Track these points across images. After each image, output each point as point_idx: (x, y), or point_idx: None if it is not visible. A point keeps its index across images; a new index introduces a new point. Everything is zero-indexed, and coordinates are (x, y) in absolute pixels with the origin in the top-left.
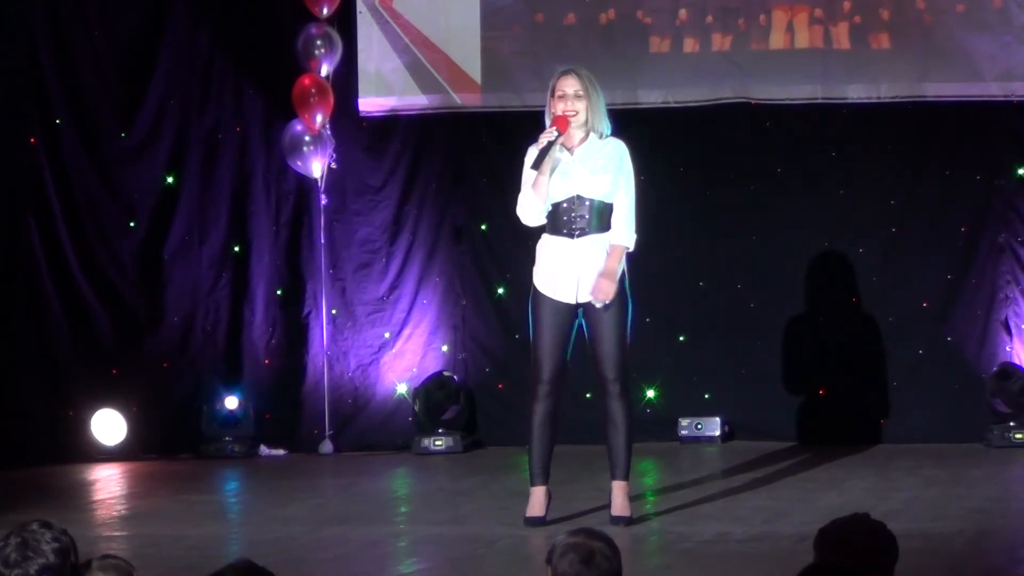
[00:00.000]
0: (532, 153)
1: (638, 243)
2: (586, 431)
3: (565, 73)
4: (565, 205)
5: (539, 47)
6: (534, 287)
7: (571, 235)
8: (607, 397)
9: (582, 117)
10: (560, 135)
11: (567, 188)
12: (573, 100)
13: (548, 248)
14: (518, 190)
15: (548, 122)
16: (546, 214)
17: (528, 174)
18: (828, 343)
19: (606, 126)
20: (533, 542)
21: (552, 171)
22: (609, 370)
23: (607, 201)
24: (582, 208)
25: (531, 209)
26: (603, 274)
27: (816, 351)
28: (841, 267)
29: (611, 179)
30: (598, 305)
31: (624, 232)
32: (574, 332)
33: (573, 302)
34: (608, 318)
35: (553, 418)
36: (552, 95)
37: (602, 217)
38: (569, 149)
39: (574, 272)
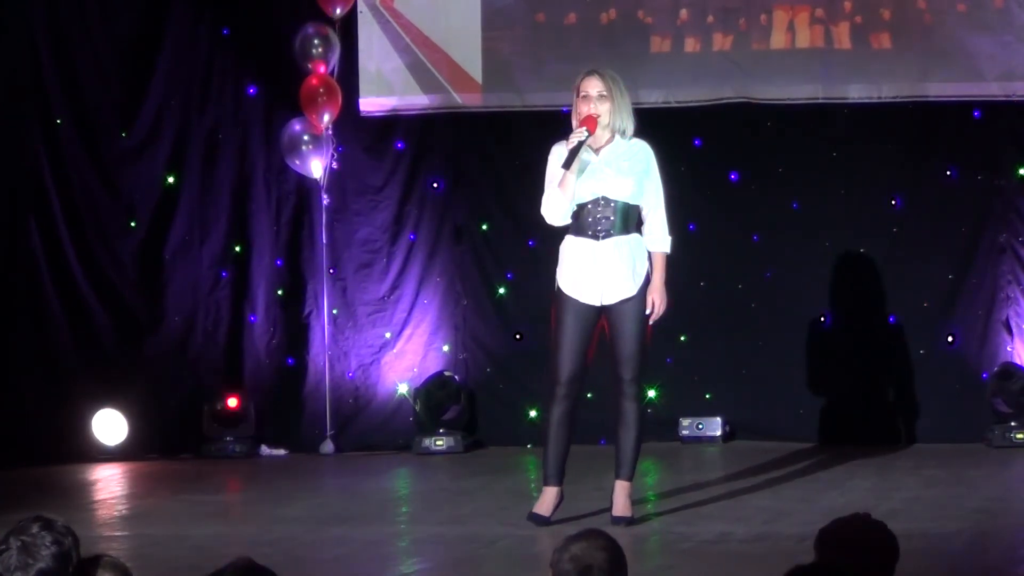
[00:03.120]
0: (560, 152)
1: None
2: (588, 431)
3: (589, 74)
4: (590, 206)
5: (540, 47)
6: (558, 288)
7: (596, 236)
8: (622, 398)
9: (604, 119)
10: (590, 135)
11: (593, 189)
12: (596, 102)
13: (572, 249)
14: (519, 189)
15: (575, 122)
16: (571, 214)
17: (554, 173)
18: (829, 343)
19: (631, 126)
20: (534, 542)
21: (580, 172)
22: (627, 371)
23: (632, 203)
24: (607, 210)
25: (557, 208)
26: (655, 292)
27: (817, 351)
28: (842, 267)
29: (637, 181)
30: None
31: (663, 239)
32: (596, 334)
33: (597, 304)
34: (631, 320)
35: (570, 419)
36: (576, 95)
37: (627, 219)
38: (595, 150)
39: (598, 274)
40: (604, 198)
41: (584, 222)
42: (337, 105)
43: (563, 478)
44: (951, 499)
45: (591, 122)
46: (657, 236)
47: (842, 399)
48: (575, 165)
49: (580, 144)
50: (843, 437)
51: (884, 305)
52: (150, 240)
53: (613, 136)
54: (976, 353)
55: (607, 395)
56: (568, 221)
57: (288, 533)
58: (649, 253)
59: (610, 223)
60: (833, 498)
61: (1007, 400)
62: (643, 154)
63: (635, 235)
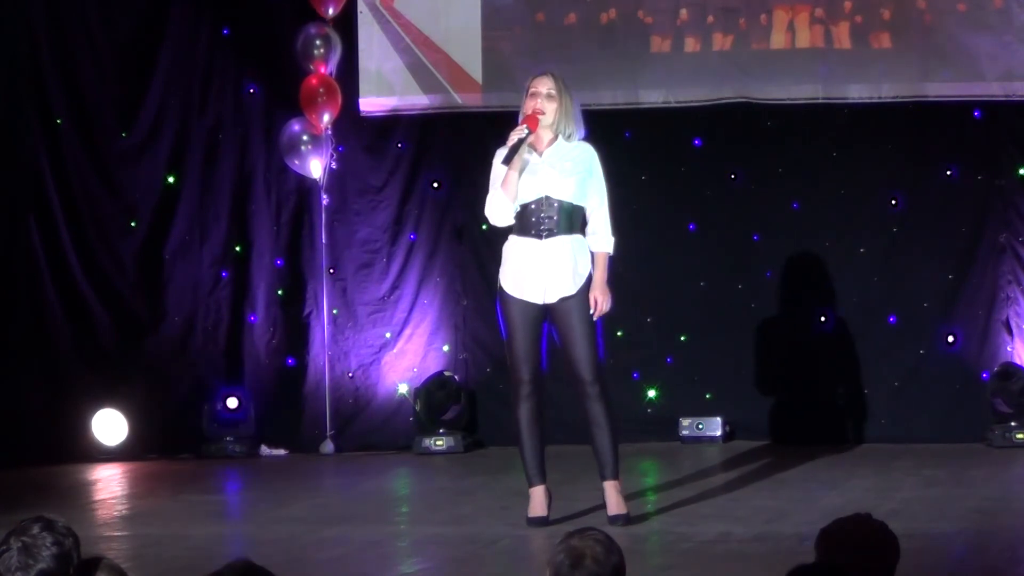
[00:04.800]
0: (502, 154)
1: (639, 242)
2: (586, 431)
3: (541, 74)
4: (533, 206)
5: (540, 47)
6: (501, 289)
7: (539, 236)
8: (586, 400)
9: (549, 118)
10: (531, 133)
11: (536, 189)
12: (544, 100)
13: (516, 249)
14: None
15: (520, 119)
16: (514, 215)
17: (497, 172)
18: (829, 343)
19: (576, 130)
20: (534, 542)
21: (521, 171)
22: (585, 372)
23: (576, 203)
24: (550, 209)
25: (501, 208)
26: (597, 289)
27: (817, 351)
28: (842, 267)
29: (579, 181)
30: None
31: (606, 239)
32: (545, 329)
33: (540, 303)
34: (578, 320)
35: (539, 416)
36: (526, 93)
37: (571, 219)
38: (538, 151)
39: (542, 273)
40: (547, 198)
41: (528, 222)
42: (337, 105)
43: (545, 475)
44: (951, 499)
45: (533, 120)
46: (600, 236)
47: (842, 399)
48: (517, 163)
49: (521, 141)
50: (843, 437)
51: (884, 305)
52: (150, 240)
53: (556, 137)
54: (976, 353)
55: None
56: (512, 221)
57: (288, 533)
58: (592, 254)
59: (554, 223)
60: (833, 498)
61: (1007, 400)
62: (586, 155)
63: (578, 235)
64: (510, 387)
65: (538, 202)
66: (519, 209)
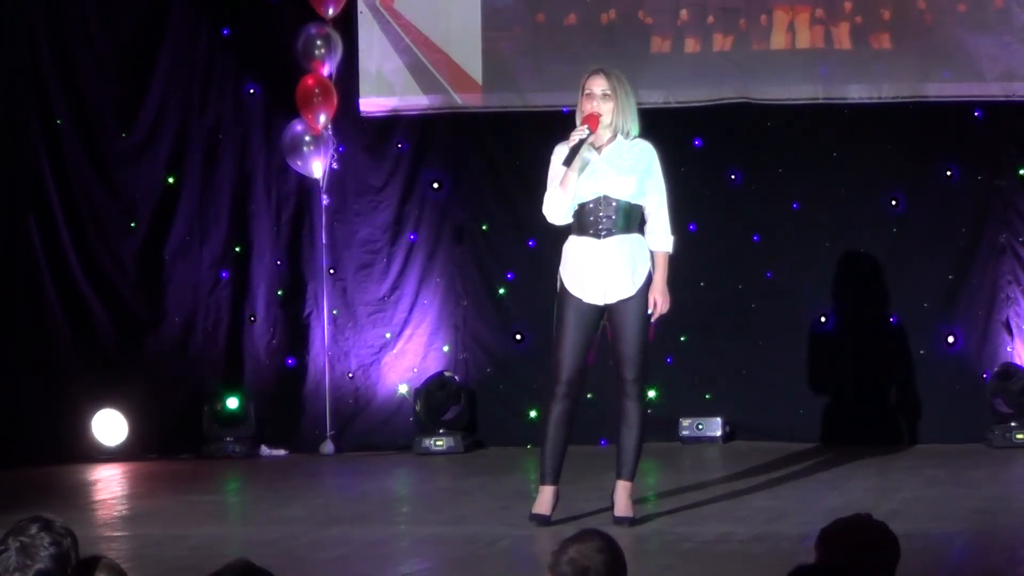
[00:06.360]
0: (562, 151)
1: None
2: (588, 431)
3: (595, 72)
4: (592, 205)
5: (540, 47)
6: (562, 286)
7: (598, 235)
8: (624, 398)
9: (607, 118)
10: (591, 133)
11: (594, 188)
12: (600, 100)
13: (575, 249)
14: (520, 190)
15: (579, 120)
16: (572, 214)
17: (556, 172)
18: (829, 343)
19: (634, 127)
20: (534, 542)
21: (581, 170)
22: (629, 371)
23: (634, 202)
24: (609, 208)
25: (559, 207)
26: (657, 291)
27: (817, 351)
28: (842, 267)
29: (638, 180)
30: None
31: (665, 238)
32: (598, 334)
33: (601, 303)
34: (632, 320)
35: (569, 419)
36: (581, 93)
37: (629, 218)
38: (597, 149)
39: (601, 273)
40: (606, 197)
41: (586, 221)
42: (333, 105)
43: (559, 477)
44: (951, 499)
45: (593, 120)
46: (659, 236)
47: (842, 399)
48: (576, 163)
49: (581, 142)
50: (843, 437)
51: (884, 305)
52: (150, 240)
53: (615, 135)
54: (976, 353)
55: (607, 395)
56: (569, 220)
57: (288, 533)
58: (652, 253)
59: (612, 222)
60: (833, 498)
61: (1007, 400)
62: (645, 154)
63: (636, 235)
64: (547, 384)
65: (596, 201)
66: (577, 208)
